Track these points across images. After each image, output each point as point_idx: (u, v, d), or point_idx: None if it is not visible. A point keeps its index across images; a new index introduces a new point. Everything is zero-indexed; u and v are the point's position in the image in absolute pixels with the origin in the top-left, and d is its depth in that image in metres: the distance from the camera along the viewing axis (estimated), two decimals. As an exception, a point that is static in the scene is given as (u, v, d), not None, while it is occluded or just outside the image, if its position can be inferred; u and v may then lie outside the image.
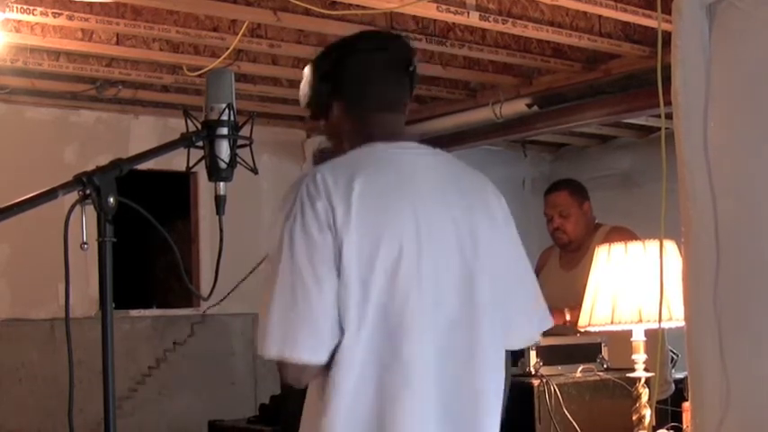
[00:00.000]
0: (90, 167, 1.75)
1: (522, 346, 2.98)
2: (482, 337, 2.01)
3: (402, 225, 1.93)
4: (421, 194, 1.99)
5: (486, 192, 2.13)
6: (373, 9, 3.76)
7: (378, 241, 1.89)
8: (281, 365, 1.89)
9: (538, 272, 4.53)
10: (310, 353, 1.85)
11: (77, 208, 1.72)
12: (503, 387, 2.06)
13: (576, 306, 3.73)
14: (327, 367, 1.88)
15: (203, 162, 1.90)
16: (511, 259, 2.13)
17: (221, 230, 1.92)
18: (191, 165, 1.90)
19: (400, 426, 1.88)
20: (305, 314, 1.84)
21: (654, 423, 3.20)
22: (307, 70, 2.15)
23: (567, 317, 4.03)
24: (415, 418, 1.90)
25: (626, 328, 3.21)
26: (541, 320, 2.19)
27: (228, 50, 4.30)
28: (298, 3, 3.71)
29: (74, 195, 1.73)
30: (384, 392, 1.88)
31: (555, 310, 4.14)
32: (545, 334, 3.67)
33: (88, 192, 1.72)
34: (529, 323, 2.18)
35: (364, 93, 2.10)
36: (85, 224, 1.70)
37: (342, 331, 1.86)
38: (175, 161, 2.00)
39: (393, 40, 2.22)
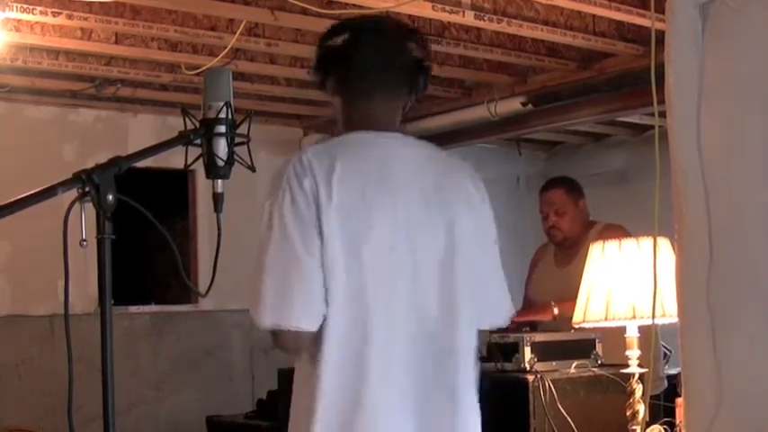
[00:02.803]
0: (89, 165, 1.77)
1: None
2: (459, 324, 2.07)
3: (380, 212, 1.99)
4: (400, 184, 2.04)
5: (463, 178, 2.17)
6: (370, 8, 3.78)
7: (356, 225, 1.96)
8: (276, 334, 1.95)
9: (532, 269, 4.56)
10: (304, 320, 1.92)
11: (77, 205, 1.74)
12: (476, 380, 2.12)
13: (566, 300, 3.76)
14: (315, 341, 1.94)
15: (201, 160, 1.92)
16: (487, 246, 2.17)
17: (219, 228, 1.94)
18: (189, 162, 1.93)
19: (372, 410, 1.94)
20: (298, 284, 1.91)
21: (647, 418, 3.23)
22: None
23: (555, 311, 4.06)
24: (385, 406, 1.97)
25: (620, 324, 3.23)
26: (508, 309, 2.24)
27: (226, 49, 4.32)
28: (295, 2, 3.73)
29: (73, 193, 1.75)
30: (360, 371, 1.95)
31: (543, 305, 4.17)
32: (540, 330, 3.75)
33: (87, 189, 1.74)
34: (498, 308, 2.23)
35: (353, 76, 2.13)
36: (85, 221, 1.72)
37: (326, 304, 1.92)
38: (174, 159, 2.01)
39: (394, 27, 2.25)
